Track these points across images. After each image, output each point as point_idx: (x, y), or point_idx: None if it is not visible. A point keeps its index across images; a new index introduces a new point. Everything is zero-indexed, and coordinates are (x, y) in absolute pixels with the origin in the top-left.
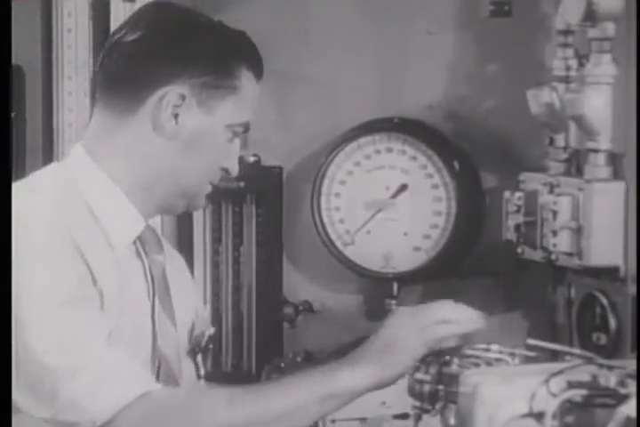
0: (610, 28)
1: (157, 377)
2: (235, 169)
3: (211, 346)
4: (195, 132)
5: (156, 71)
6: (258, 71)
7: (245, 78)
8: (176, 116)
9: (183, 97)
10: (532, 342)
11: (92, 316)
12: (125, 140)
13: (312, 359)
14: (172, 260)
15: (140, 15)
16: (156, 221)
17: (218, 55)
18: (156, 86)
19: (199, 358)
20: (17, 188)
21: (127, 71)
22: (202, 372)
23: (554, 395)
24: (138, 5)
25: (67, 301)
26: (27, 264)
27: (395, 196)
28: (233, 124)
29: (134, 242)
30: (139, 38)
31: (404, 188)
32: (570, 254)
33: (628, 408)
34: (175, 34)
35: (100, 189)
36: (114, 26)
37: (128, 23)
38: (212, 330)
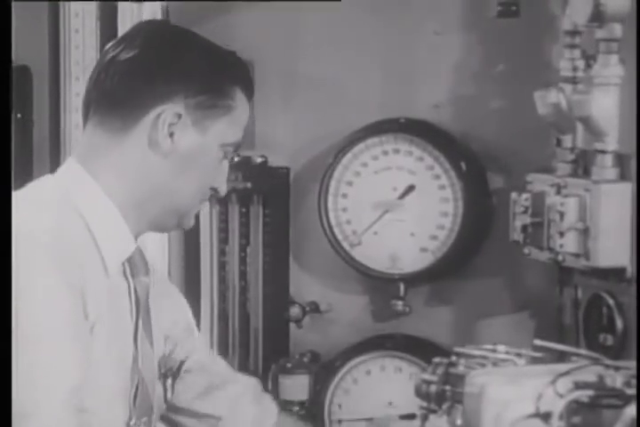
0: (617, 29)
1: (135, 398)
2: (223, 189)
3: (182, 372)
4: (189, 151)
5: (152, 89)
6: (249, 92)
7: (239, 99)
8: (172, 134)
9: (179, 116)
10: (538, 342)
11: (71, 362)
12: (120, 156)
13: (318, 360)
14: (157, 281)
15: (136, 33)
16: None
17: (213, 75)
18: (152, 104)
19: (169, 381)
20: (17, 200)
21: (123, 89)
22: (169, 395)
23: (560, 395)
24: (145, 6)
25: (54, 337)
26: (25, 284)
27: (402, 197)
28: (226, 144)
29: (122, 262)
30: (135, 56)
31: (411, 188)
32: (577, 255)
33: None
34: (171, 52)
35: (97, 205)
36: (121, 26)
37: (123, 40)
38: (184, 356)
